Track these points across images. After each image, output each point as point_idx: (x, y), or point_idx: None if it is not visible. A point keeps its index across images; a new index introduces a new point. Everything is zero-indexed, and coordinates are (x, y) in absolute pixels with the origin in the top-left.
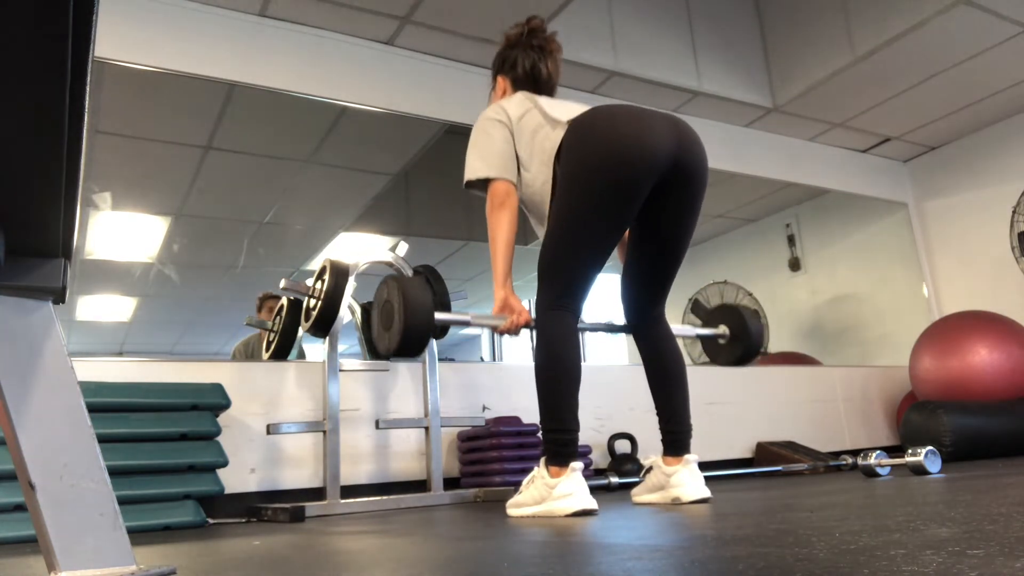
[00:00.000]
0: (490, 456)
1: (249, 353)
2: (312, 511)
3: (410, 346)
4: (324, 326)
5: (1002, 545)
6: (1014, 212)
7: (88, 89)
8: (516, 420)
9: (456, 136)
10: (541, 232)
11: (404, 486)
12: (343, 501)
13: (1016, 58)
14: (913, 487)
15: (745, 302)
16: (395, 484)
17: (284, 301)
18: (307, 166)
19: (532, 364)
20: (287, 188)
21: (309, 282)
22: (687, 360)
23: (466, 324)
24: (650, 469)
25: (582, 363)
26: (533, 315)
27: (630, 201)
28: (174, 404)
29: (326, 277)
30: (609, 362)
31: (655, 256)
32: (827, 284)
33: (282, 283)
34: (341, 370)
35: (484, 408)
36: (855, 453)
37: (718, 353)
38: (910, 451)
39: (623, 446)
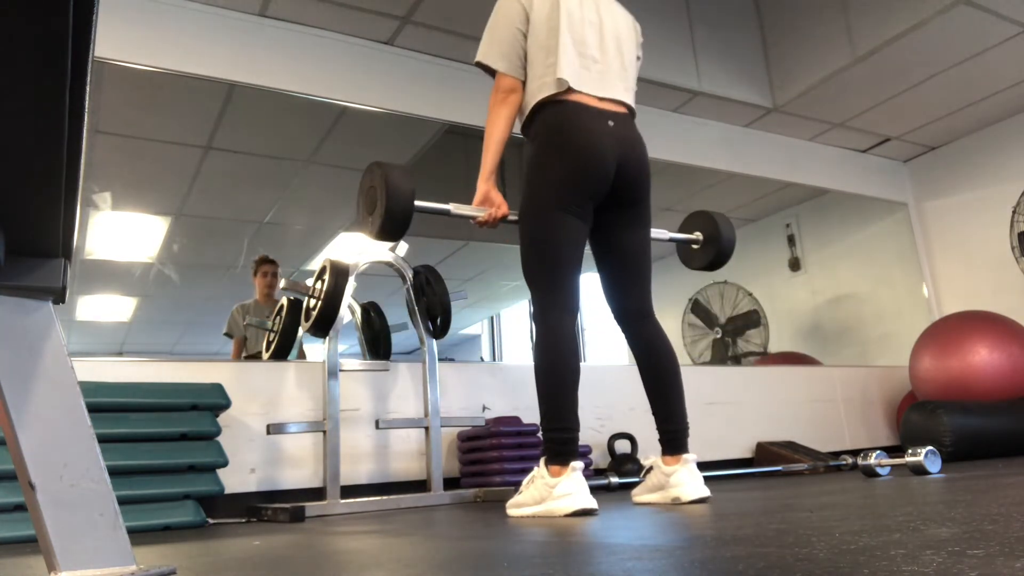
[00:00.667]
0: (490, 456)
1: (244, 314)
2: (312, 511)
3: (392, 229)
4: (324, 326)
5: (1002, 545)
6: (1014, 212)
7: (88, 89)
8: (516, 420)
9: (456, 136)
10: (517, 124)
11: (404, 486)
12: (343, 501)
13: (1016, 58)
14: (913, 487)
15: (745, 302)
16: (395, 484)
17: (284, 301)
18: (307, 166)
19: (532, 364)
20: (287, 188)
21: (309, 282)
22: (687, 360)
23: (446, 213)
24: (650, 469)
25: (581, 363)
26: (531, 320)
27: (584, 207)
28: (174, 404)
29: (326, 277)
30: (609, 362)
31: (617, 264)
32: (827, 284)
33: (282, 283)
34: (341, 370)
35: (484, 408)
36: (855, 453)
37: (691, 257)
38: (910, 451)
39: (623, 446)
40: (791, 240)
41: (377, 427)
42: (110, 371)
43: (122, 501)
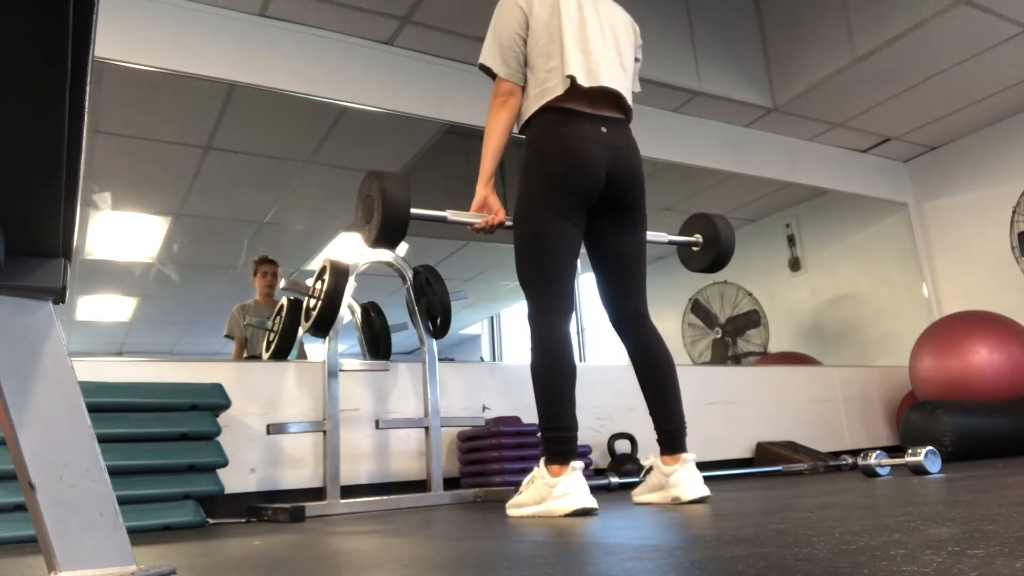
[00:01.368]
0: (490, 456)
1: (245, 315)
2: (312, 511)
3: (389, 236)
4: (324, 326)
5: (1002, 545)
6: (1014, 212)
7: (88, 89)
8: (516, 420)
9: (456, 136)
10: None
11: (404, 486)
12: (343, 501)
13: (1016, 58)
14: (913, 487)
15: (745, 302)
16: (395, 484)
17: (284, 301)
18: (307, 166)
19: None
20: (287, 188)
21: (309, 282)
22: (687, 360)
23: (443, 220)
24: (650, 469)
25: (582, 363)
26: (528, 320)
27: (576, 212)
28: (174, 404)
29: (326, 277)
30: (609, 362)
31: (612, 268)
32: (827, 284)
33: (282, 283)
34: (341, 370)
35: (484, 408)
36: (855, 453)
37: (691, 260)
38: (910, 451)
39: (623, 446)
40: (791, 240)
41: (377, 427)
42: (110, 371)
43: (122, 501)
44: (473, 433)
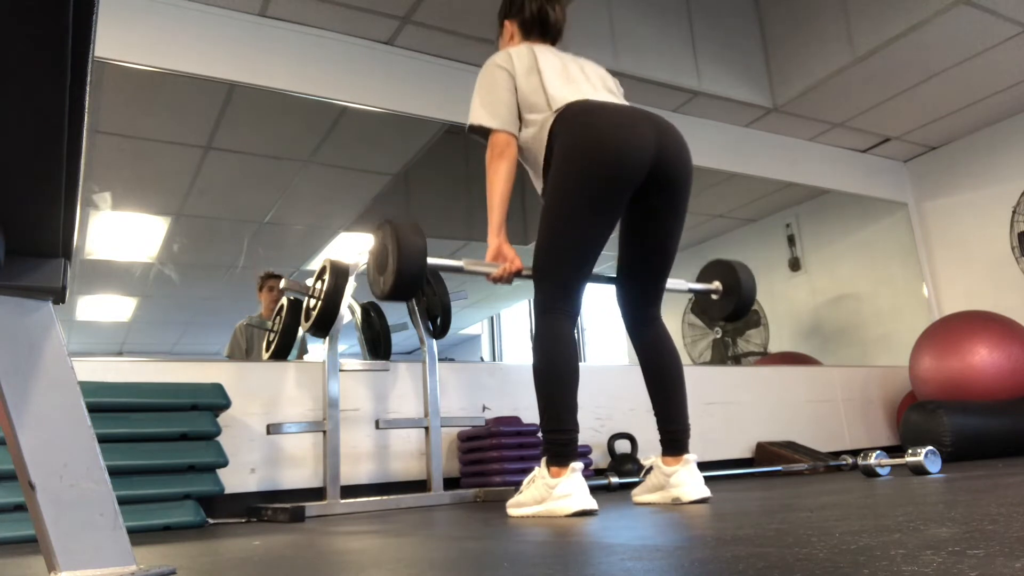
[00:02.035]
0: (490, 456)
1: (248, 336)
2: (312, 511)
3: (404, 288)
4: (324, 326)
5: (1002, 545)
6: (1014, 212)
7: (88, 89)
8: (516, 420)
9: (456, 136)
10: (538, 184)
11: (404, 486)
12: (343, 501)
13: (1016, 58)
14: (913, 487)
15: None
16: (395, 484)
17: (284, 301)
18: (307, 166)
19: (531, 364)
20: (287, 188)
21: (309, 282)
22: (687, 360)
23: (459, 271)
24: (650, 469)
25: (582, 363)
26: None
27: (614, 203)
28: (174, 404)
29: (326, 277)
30: (609, 362)
31: (643, 258)
32: (827, 284)
33: (282, 283)
34: (341, 370)
35: (484, 408)
36: (855, 453)
37: (711, 308)
38: (910, 451)
39: (623, 446)
40: (791, 240)
41: (377, 427)
42: (110, 371)
43: (122, 501)
44: (473, 433)
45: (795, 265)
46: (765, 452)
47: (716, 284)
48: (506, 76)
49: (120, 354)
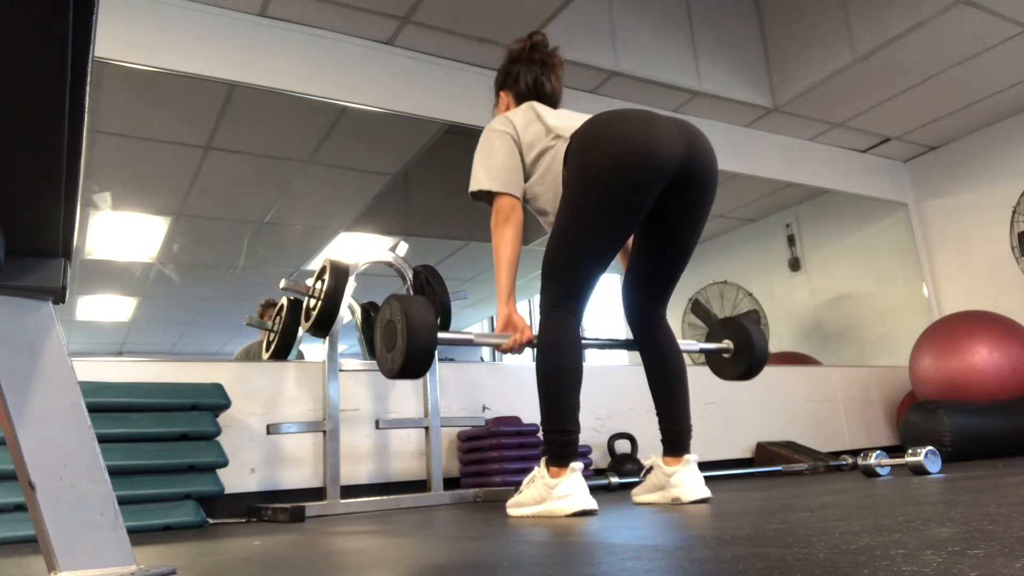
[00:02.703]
0: (490, 456)
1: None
2: (312, 511)
3: (414, 367)
4: (324, 326)
5: (1002, 545)
6: (1014, 212)
7: (88, 89)
8: (516, 420)
9: (456, 136)
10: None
11: (404, 486)
12: (343, 501)
13: (1016, 58)
14: (913, 487)
15: (745, 302)
16: (395, 484)
17: (284, 301)
18: (307, 166)
19: (533, 364)
20: (287, 188)
21: (309, 282)
22: (687, 360)
23: (469, 343)
24: (651, 469)
25: (583, 364)
26: (535, 331)
27: (638, 205)
28: (174, 404)
29: (326, 277)
30: (609, 362)
31: (661, 259)
32: (827, 284)
33: (282, 283)
34: (341, 370)
35: (484, 408)
36: (855, 453)
37: (722, 367)
38: (910, 451)
39: (623, 446)
40: (791, 240)
41: (377, 427)
42: (110, 371)
43: (122, 501)
44: (473, 433)
45: (795, 265)
46: (765, 452)
47: (727, 343)
48: (506, 139)
49: (120, 354)
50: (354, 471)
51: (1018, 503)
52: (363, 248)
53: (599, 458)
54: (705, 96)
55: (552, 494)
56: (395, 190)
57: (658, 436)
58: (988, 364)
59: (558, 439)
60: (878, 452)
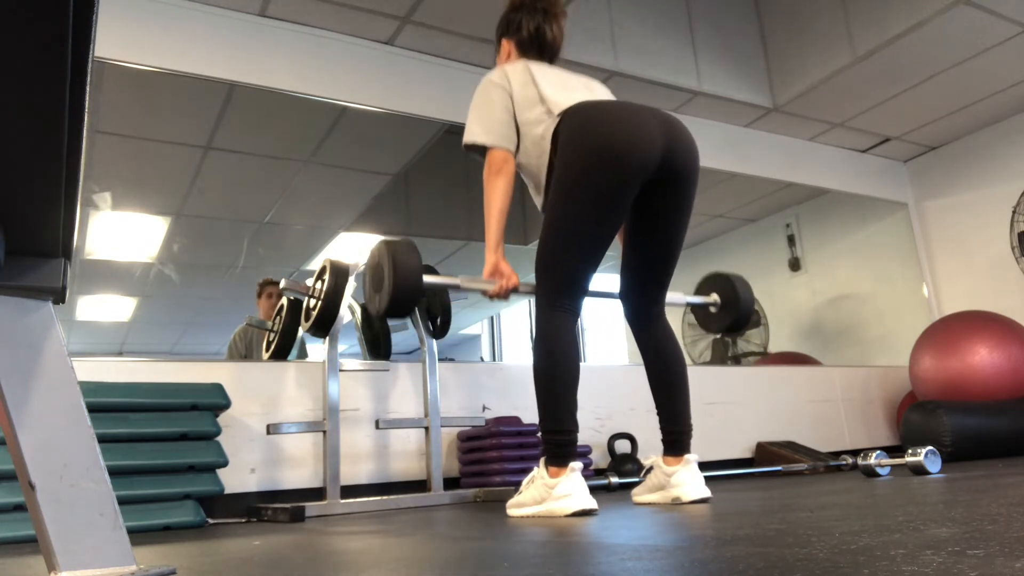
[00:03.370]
0: (490, 456)
1: (247, 342)
2: (312, 511)
3: (399, 307)
4: (324, 326)
5: (1002, 545)
6: (1014, 212)
7: (88, 89)
8: (516, 420)
9: (456, 136)
10: (538, 200)
11: (404, 486)
12: (343, 501)
13: (1016, 58)
14: (913, 487)
15: None
16: (395, 484)
17: (284, 301)
18: (307, 166)
19: (531, 364)
20: (287, 188)
21: (309, 282)
22: (687, 360)
23: (455, 288)
24: (651, 469)
25: (581, 363)
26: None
27: (621, 199)
28: (174, 404)
29: (326, 277)
30: (609, 362)
31: (649, 254)
32: (827, 284)
33: (282, 283)
34: (341, 370)
35: (484, 408)
36: (855, 453)
37: (709, 321)
38: (910, 451)
39: (623, 446)
40: (791, 240)
41: (377, 427)
42: (110, 371)
43: (122, 501)
44: (473, 433)
45: (795, 265)
46: (765, 452)
47: (714, 297)
48: (502, 93)
49: (120, 354)
50: (354, 471)
51: (1018, 503)
52: (363, 248)
53: (599, 458)
54: (705, 96)
55: (552, 494)
56: (395, 190)
57: (658, 436)
58: (988, 364)
59: (557, 439)
60: (878, 452)
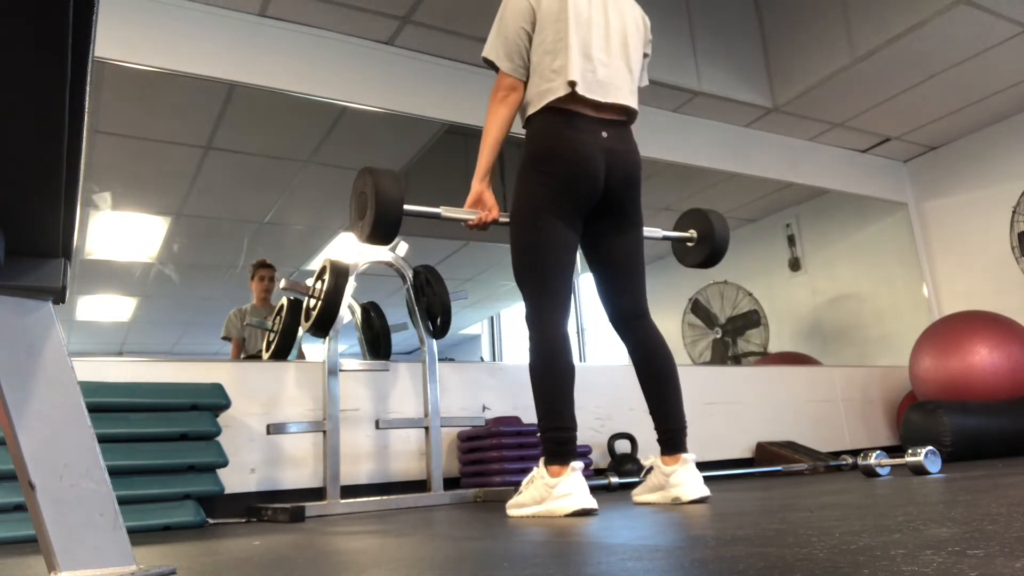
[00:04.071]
0: (490, 456)
1: (242, 317)
2: (312, 511)
3: (381, 233)
4: (324, 326)
5: (1002, 545)
6: (1014, 212)
7: (88, 89)
8: (516, 420)
9: (456, 136)
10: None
11: (404, 486)
12: (343, 501)
13: (1016, 58)
14: (913, 487)
15: (745, 302)
16: (395, 484)
17: (284, 301)
18: (307, 166)
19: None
20: (287, 188)
21: (309, 282)
22: (687, 360)
23: (436, 217)
24: (651, 469)
25: (582, 363)
26: (526, 321)
27: (577, 216)
28: (174, 404)
29: (326, 277)
30: (609, 362)
31: (610, 269)
32: (827, 284)
33: (282, 283)
34: (341, 370)
35: (484, 408)
36: (855, 453)
37: (686, 255)
38: (910, 451)
39: (623, 446)
40: (791, 240)
41: (377, 427)
42: (110, 371)
43: (122, 501)
44: (473, 433)
45: (795, 265)
46: (765, 452)
47: (691, 232)
48: (528, 10)
49: (120, 354)
50: (354, 471)
51: (1018, 503)
52: (363, 248)
53: (599, 458)
54: (705, 96)
55: (552, 493)
56: None
57: (656, 436)
58: (988, 364)
59: (556, 436)
60: (878, 452)
